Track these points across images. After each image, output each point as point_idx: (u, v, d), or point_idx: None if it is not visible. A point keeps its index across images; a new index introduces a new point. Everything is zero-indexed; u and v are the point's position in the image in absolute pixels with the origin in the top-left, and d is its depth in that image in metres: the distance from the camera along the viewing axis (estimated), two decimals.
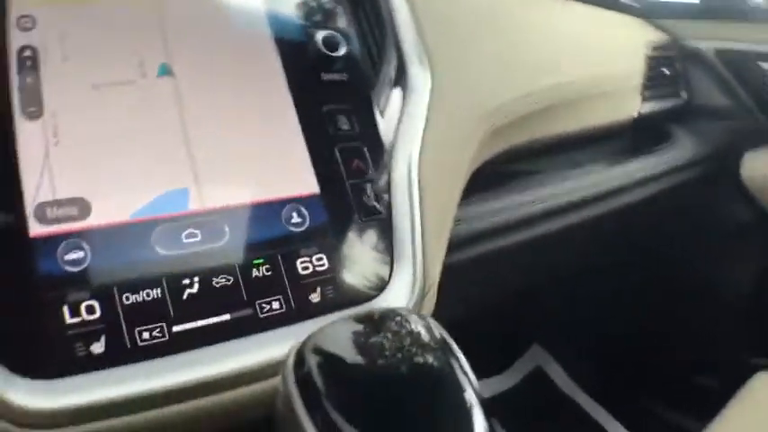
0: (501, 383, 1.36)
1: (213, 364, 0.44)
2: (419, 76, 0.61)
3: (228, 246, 0.47)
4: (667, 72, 0.98)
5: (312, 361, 0.29)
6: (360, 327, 0.31)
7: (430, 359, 0.30)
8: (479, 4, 0.74)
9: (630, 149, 0.98)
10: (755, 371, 0.87)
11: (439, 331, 0.33)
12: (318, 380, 0.29)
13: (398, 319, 0.32)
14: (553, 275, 1.12)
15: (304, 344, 0.30)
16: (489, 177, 0.71)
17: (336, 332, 0.31)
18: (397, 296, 0.51)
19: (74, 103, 0.46)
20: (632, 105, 0.94)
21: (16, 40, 0.47)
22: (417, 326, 0.32)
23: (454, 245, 0.63)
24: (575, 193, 0.83)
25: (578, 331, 1.36)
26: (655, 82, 0.95)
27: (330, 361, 0.29)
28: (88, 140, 0.46)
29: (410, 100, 0.60)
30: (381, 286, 0.51)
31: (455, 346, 0.32)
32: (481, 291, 0.91)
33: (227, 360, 0.45)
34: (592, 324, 1.32)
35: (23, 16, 0.48)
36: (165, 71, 0.50)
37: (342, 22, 0.59)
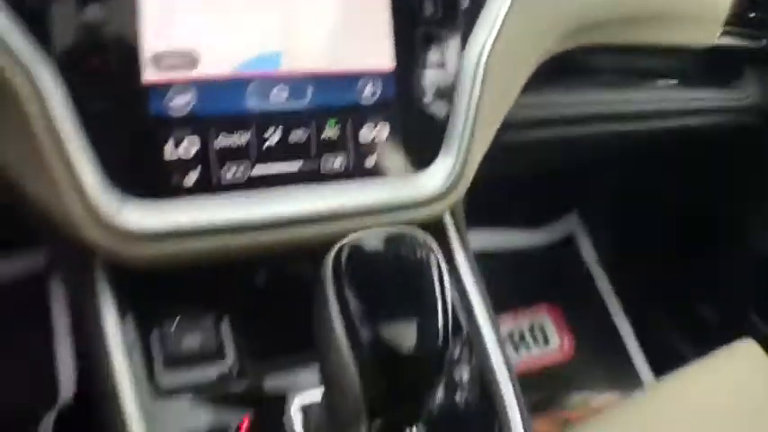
0: (531, 238, 1.46)
1: (279, 204, 0.54)
2: None
3: (308, 106, 0.55)
4: (753, 14, 0.95)
5: (344, 255, 0.39)
6: (383, 240, 0.40)
7: (421, 272, 0.40)
8: None
9: (697, 77, 0.98)
10: (748, 332, 0.91)
11: (435, 256, 0.42)
12: (344, 269, 0.39)
13: (412, 241, 0.41)
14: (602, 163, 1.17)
15: (343, 244, 0.40)
16: (554, 69, 0.75)
17: (367, 240, 0.40)
18: (437, 175, 0.59)
19: None
20: (711, 34, 0.92)
21: None
22: (422, 250, 0.41)
23: (510, 126, 0.70)
24: (632, 104, 0.86)
25: (616, 212, 1.43)
26: (739, 19, 0.93)
27: (355, 258, 0.39)
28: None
29: None
30: (428, 161, 0.59)
31: (440, 265, 0.41)
32: (527, 163, 0.97)
33: (290, 203, 0.55)
34: (630, 211, 1.38)
35: None
36: None
37: None
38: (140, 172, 0.52)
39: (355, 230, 0.55)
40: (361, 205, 0.57)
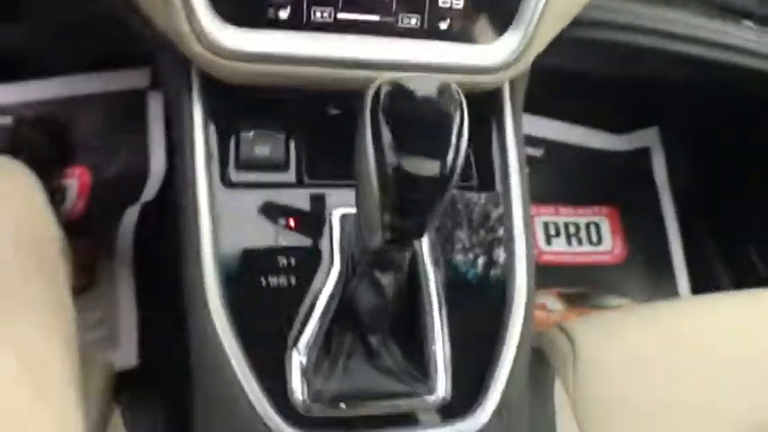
0: (610, 141, 1.48)
1: (356, 48, 0.62)
2: None
3: None
4: None
5: (383, 93, 0.46)
6: (420, 86, 0.46)
7: (444, 119, 0.46)
8: None
9: None
10: None
11: (461, 108, 0.47)
12: (381, 105, 0.46)
13: (446, 92, 0.46)
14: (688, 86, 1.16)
15: (385, 83, 0.46)
16: None
17: (406, 83, 0.46)
18: (504, 47, 0.65)
19: None
20: None
21: None
22: (452, 102, 0.46)
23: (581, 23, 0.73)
24: (706, 31, 0.86)
25: (696, 136, 1.42)
26: None
27: (392, 97, 0.46)
28: None
29: None
30: (497, 33, 0.64)
31: (462, 116, 0.47)
32: (602, 63, 0.99)
33: (366, 48, 0.62)
34: (710, 138, 1.37)
35: None
36: None
37: None
38: (241, 4, 0.60)
39: None
40: (428, 62, 0.63)
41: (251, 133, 0.66)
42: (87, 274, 1.18)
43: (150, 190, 1.23)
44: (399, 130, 0.46)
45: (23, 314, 0.60)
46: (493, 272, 0.69)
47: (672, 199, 1.47)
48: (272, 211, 0.65)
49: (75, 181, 1.24)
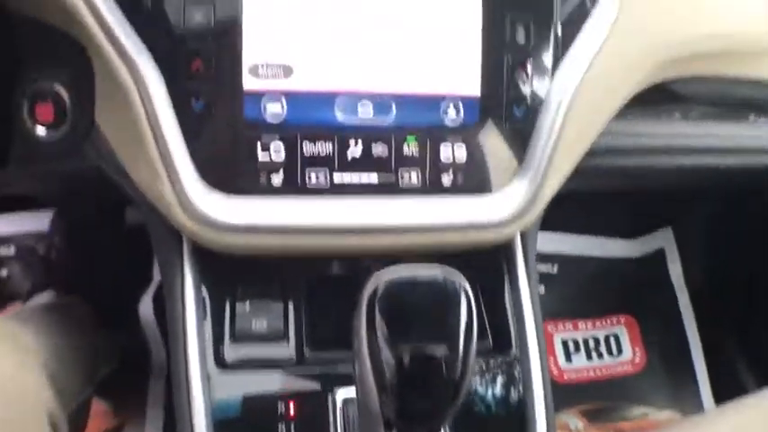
0: (624, 248, 1.44)
1: (356, 213, 0.58)
2: (607, 3, 0.63)
3: (391, 123, 0.58)
4: None
5: (380, 288, 0.42)
6: (418, 279, 0.43)
7: (448, 313, 0.43)
8: None
9: None
10: None
11: (468, 299, 0.44)
12: (377, 300, 0.42)
13: (446, 282, 0.43)
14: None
15: (381, 277, 0.43)
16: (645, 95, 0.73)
17: (404, 275, 0.43)
18: (511, 198, 0.61)
19: None
20: None
21: None
22: (455, 293, 0.43)
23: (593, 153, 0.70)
24: (725, 139, 0.83)
25: (710, 235, 1.38)
26: None
27: (389, 292, 0.42)
28: (301, 16, 0.55)
29: (592, 21, 0.62)
30: (500, 186, 0.61)
31: (470, 307, 0.43)
32: (615, 185, 0.96)
33: (367, 213, 0.58)
34: (725, 235, 1.34)
35: None
36: None
37: None
38: (230, 170, 0.57)
39: (426, 245, 0.59)
40: (434, 222, 0.60)
41: (246, 304, 0.62)
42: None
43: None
44: (396, 328, 0.42)
45: None
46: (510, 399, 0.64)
47: (690, 300, 1.43)
48: (267, 398, 0.59)
49: None
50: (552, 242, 1.38)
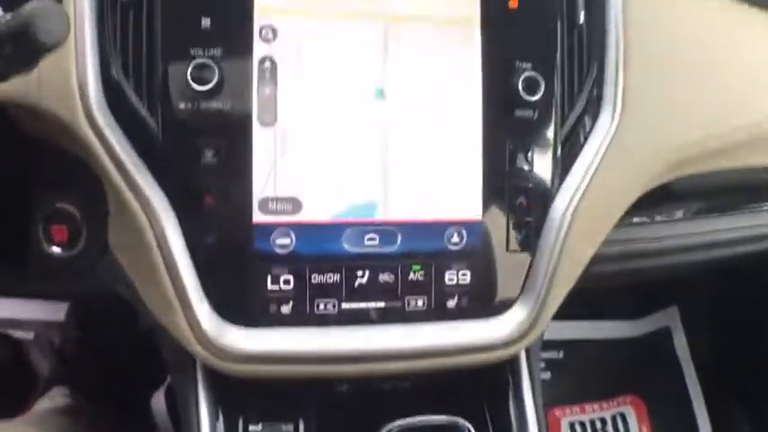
0: (629, 329, 1.45)
1: (364, 340, 0.59)
2: (606, 121, 0.65)
3: (397, 251, 0.60)
4: None
5: None
6: None
7: None
8: (697, 41, 0.73)
9: None
10: None
11: None
12: None
13: None
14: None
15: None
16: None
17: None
18: (514, 321, 0.62)
19: (301, 116, 0.57)
20: None
21: (258, 50, 0.57)
22: None
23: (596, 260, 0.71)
24: (724, 232, 0.85)
25: (715, 312, 1.39)
26: None
27: None
28: (308, 150, 0.58)
29: (590, 144, 0.64)
30: (504, 309, 0.62)
31: None
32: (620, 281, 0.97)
33: (374, 340, 0.59)
34: (729, 313, 1.34)
35: (266, 27, 0.57)
36: (380, 95, 0.59)
37: (548, 61, 0.63)
38: (242, 301, 0.58)
39: (434, 367, 0.60)
40: (440, 346, 0.61)
41: (259, 426, 0.63)
42: None
43: None
44: None
45: None
46: None
47: (696, 376, 1.43)
48: None
49: None
50: (556, 330, 1.38)
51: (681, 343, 1.44)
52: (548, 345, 1.37)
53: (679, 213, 0.86)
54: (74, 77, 0.55)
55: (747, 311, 1.35)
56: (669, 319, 1.45)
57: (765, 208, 0.92)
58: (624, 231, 0.75)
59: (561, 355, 1.39)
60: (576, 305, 1.34)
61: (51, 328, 1.24)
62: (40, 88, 0.55)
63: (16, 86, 0.53)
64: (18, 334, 1.27)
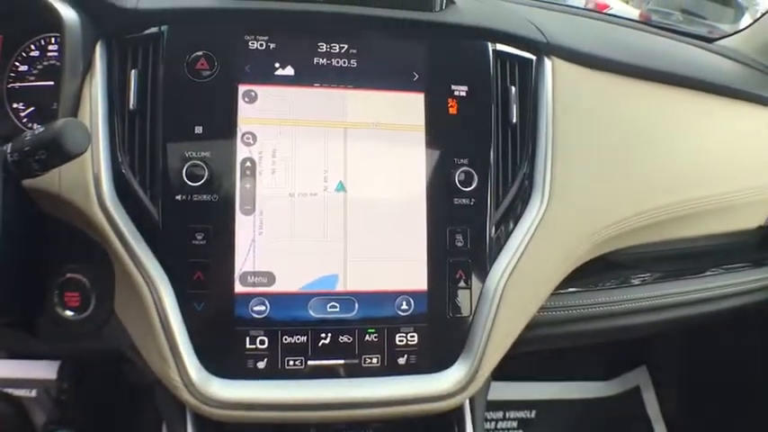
0: (600, 389, 1.52)
1: (327, 391, 0.70)
2: (535, 206, 0.77)
3: (355, 317, 0.71)
4: None
5: None
6: None
7: None
8: (630, 127, 0.84)
9: (745, 258, 1.03)
10: None
11: None
12: None
13: None
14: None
15: None
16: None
17: None
18: (455, 376, 0.73)
19: (275, 206, 0.71)
20: (757, 217, 0.98)
21: (241, 152, 0.70)
22: None
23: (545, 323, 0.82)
24: (672, 296, 0.93)
25: (684, 370, 1.46)
26: None
27: None
28: (281, 233, 0.70)
29: (520, 227, 0.76)
30: (447, 365, 0.73)
31: None
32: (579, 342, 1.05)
33: (335, 391, 0.70)
34: (698, 370, 1.41)
35: (247, 133, 0.71)
36: (341, 187, 0.72)
37: (482, 156, 0.76)
38: (225, 357, 0.70)
39: (388, 415, 0.71)
40: (393, 396, 0.71)
41: None
42: None
43: None
44: None
45: None
46: None
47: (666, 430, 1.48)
48: None
49: None
50: (528, 390, 1.46)
51: (651, 401, 1.50)
52: (520, 405, 1.44)
53: (635, 281, 0.96)
54: (89, 173, 0.69)
55: (715, 367, 1.41)
56: (639, 378, 1.52)
57: (707, 273, 1.01)
58: (567, 298, 0.86)
59: (533, 414, 1.46)
60: (548, 366, 1.43)
61: (48, 384, 1.34)
62: (61, 181, 0.69)
63: (43, 179, 0.66)
64: (19, 392, 1.36)
